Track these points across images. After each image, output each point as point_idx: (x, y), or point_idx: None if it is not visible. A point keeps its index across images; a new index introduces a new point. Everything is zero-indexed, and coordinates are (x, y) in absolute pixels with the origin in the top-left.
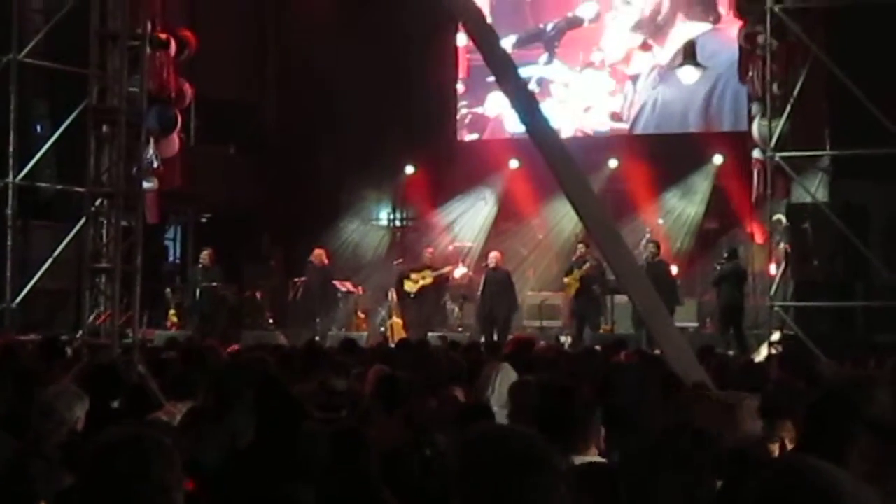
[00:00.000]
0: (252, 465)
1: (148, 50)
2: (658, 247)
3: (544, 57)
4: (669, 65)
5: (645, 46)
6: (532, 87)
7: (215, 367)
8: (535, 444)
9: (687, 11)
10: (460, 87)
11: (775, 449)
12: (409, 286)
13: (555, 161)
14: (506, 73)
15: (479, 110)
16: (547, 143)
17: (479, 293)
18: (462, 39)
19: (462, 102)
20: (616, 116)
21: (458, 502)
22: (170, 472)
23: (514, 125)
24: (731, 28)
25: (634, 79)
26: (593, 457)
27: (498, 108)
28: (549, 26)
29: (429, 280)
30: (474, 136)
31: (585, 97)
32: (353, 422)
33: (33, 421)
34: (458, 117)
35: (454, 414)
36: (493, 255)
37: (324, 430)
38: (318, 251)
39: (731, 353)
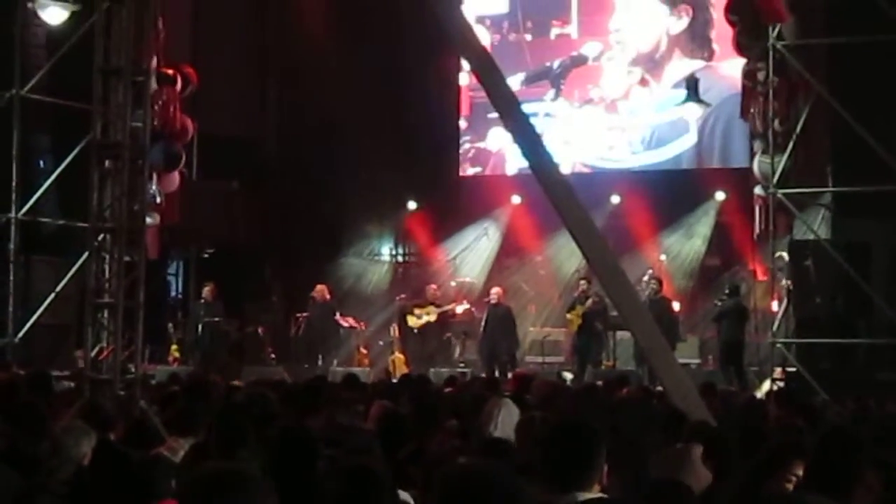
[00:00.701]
0: None
1: (155, 85)
2: (660, 283)
3: (551, 93)
4: (665, 100)
5: (643, 82)
6: (540, 121)
7: (218, 402)
8: (505, 479)
9: (683, 48)
10: (462, 124)
11: (790, 487)
12: (413, 321)
13: (558, 197)
14: (509, 111)
15: (481, 145)
16: (550, 180)
17: (480, 329)
18: (464, 78)
19: (465, 138)
20: (614, 151)
21: None
22: None
23: (516, 161)
24: (723, 65)
25: (632, 114)
26: (596, 493)
27: (500, 143)
28: (556, 64)
29: (433, 316)
30: (477, 170)
31: (584, 133)
32: (366, 459)
33: (41, 457)
34: (460, 152)
35: (476, 449)
36: (495, 291)
37: (338, 467)
38: (320, 287)
39: (731, 389)
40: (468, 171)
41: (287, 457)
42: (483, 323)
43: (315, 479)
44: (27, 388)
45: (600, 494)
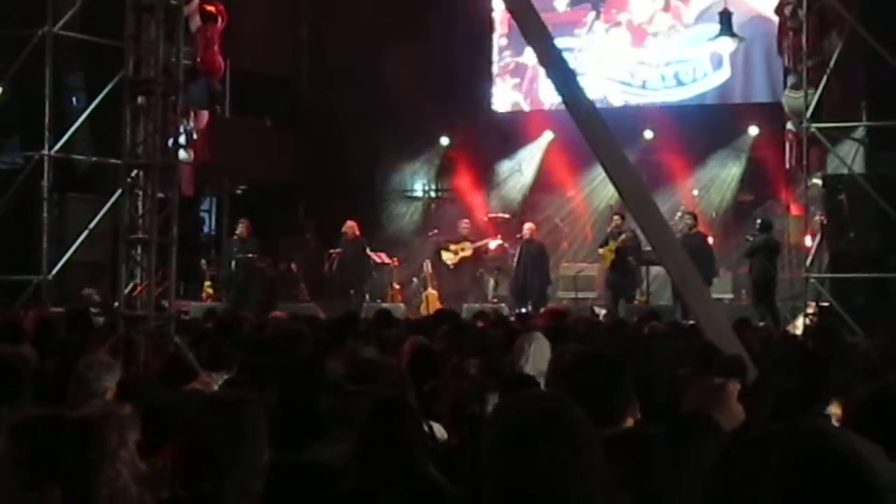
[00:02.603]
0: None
1: (199, 22)
2: (695, 218)
3: (591, 16)
4: (698, 34)
5: (667, 8)
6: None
7: (251, 338)
8: (568, 408)
9: None
10: (503, 41)
11: None
12: (448, 257)
13: (591, 132)
14: (543, 47)
15: (519, 60)
16: (584, 115)
17: (513, 265)
18: (499, 5)
19: (505, 53)
20: (647, 86)
21: (491, 465)
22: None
23: (549, 95)
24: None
25: (664, 49)
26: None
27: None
28: None
29: (468, 252)
30: (516, 81)
31: (617, 63)
32: (395, 391)
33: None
34: (501, 65)
35: (498, 384)
36: (528, 227)
37: (367, 399)
38: (350, 223)
39: (762, 324)
40: (507, 81)
41: (290, 393)
42: (516, 259)
43: (318, 416)
44: (66, 324)
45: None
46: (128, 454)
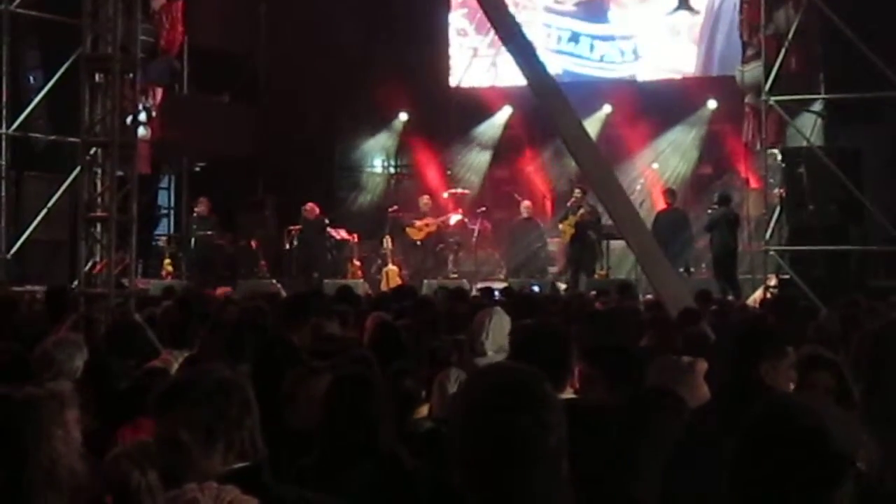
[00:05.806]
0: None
1: (163, 0)
2: (674, 195)
3: None
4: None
5: None
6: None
7: (213, 316)
8: (539, 382)
9: None
10: None
11: None
12: (415, 234)
13: (552, 107)
14: (503, 22)
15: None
16: (545, 90)
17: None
18: None
19: None
20: (606, 61)
21: (457, 439)
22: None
23: (509, 71)
24: None
25: (623, 23)
26: (569, 394)
27: None
28: None
29: (433, 228)
30: (465, 17)
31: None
32: (358, 368)
33: (34, 371)
34: (462, 11)
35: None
36: (525, 205)
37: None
38: (309, 205)
39: (726, 298)
40: (458, 11)
41: (269, 367)
42: (510, 236)
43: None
44: (46, 301)
45: (573, 395)
46: (63, 432)
